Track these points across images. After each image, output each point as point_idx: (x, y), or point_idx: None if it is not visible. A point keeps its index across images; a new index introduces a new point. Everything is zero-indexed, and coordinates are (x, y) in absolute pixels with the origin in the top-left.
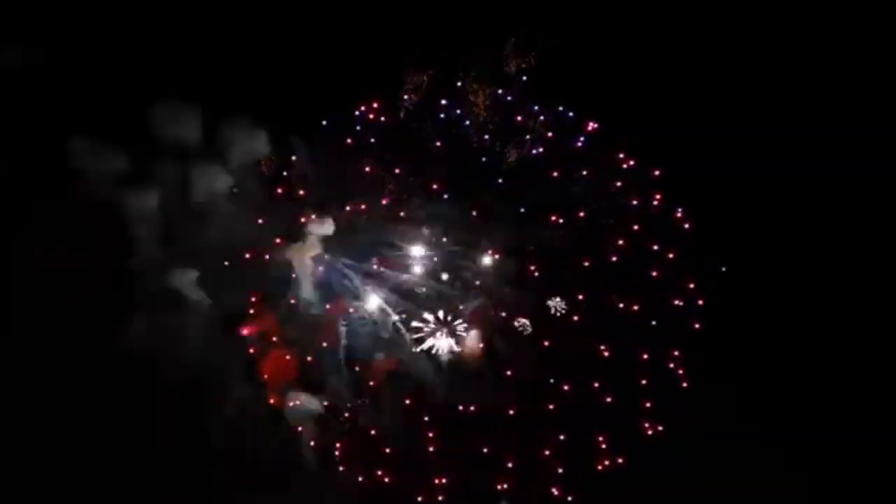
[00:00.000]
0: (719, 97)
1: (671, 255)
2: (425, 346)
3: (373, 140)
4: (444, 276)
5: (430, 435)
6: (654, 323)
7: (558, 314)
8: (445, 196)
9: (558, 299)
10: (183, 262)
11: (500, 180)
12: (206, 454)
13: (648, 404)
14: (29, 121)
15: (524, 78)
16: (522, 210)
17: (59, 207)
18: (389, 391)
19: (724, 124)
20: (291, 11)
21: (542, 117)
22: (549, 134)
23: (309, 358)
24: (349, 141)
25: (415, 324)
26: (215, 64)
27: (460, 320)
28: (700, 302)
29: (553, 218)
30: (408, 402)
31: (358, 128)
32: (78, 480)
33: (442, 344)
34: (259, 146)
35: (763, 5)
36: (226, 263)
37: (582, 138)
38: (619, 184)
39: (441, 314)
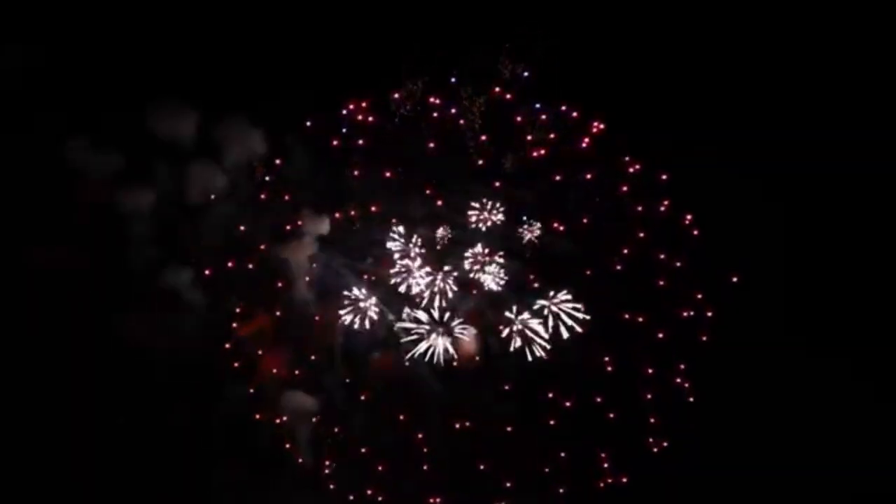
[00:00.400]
0: (728, 97)
1: (678, 264)
2: (421, 348)
3: (361, 142)
4: (440, 277)
5: (425, 450)
6: (660, 335)
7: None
8: (440, 202)
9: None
10: (179, 261)
11: (497, 184)
12: (204, 454)
13: (653, 420)
14: (28, 121)
15: (525, 74)
16: (524, 217)
17: (58, 207)
18: (384, 401)
19: (734, 126)
20: (285, 11)
21: (543, 116)
22: (552, 135)
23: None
24: (335, 143)
25: (409, 325)
26: (209, 63)
27: (457, 321)
28: (709, 313)
29: (555, 224)
30: (402, 417)
31: (344, 130)
32: (76, 479)
33: (438, 344)
34: (254, 146)
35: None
36: (206, 273)
37: (586, 139)
38: (624, 188)
39: (436, 314)
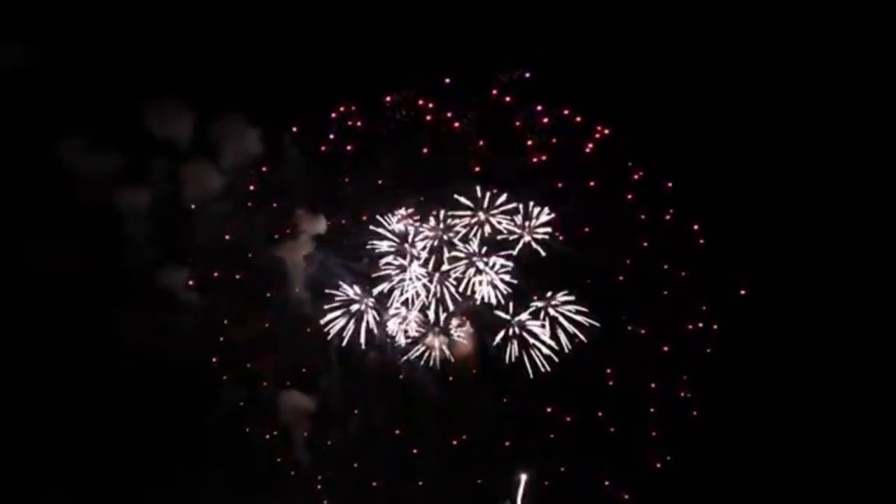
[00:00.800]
0: (735, 102)
1: (683, 274)
2: (417, 350)
3: (349, 148)
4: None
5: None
6: (665, 348)
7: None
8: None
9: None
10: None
11: (494, 190)
12: (201, 454)
13: (655, 433)
14: (24, 121)
15: (527, 75)
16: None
17: (54, 207)
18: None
19: (742, 131)
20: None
21: (545, 119)
22: (553, 140)
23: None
24: (323, 148)
25: (404, 326)
26: (206, 63)
27: (454, 321)
28: (714, 326)
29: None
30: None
31: (332, 136)
32: (74, 478)
33: (434, 346)
34: (250, 146)
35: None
36: (190, 283)
37: (590, 145)
38: (628, 196)
39: (432, 314)
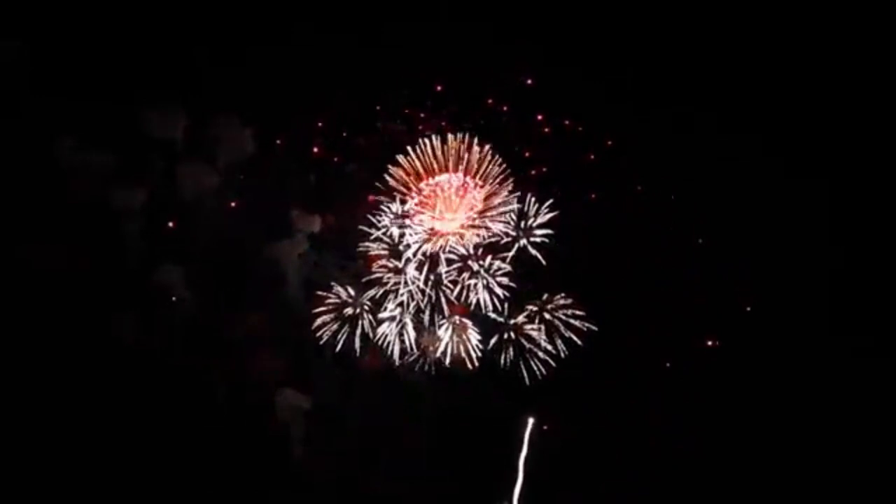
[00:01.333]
0: (736, 105)
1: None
2: (413, 354)
3: (336, 159)
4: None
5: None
6: (664, 352)
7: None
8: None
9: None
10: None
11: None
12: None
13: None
14: (20, 120)
15: (528, 81)
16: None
17: (50, 206)
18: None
19: (749, 135)
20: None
21: (546, 129)
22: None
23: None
24: (316, 150)
25: (398, 329)
26: (202, 63)
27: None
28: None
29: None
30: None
31: (316, 149)
32: (74, 478)
33: (430, 347)
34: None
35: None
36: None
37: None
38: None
39: (427, 317)
